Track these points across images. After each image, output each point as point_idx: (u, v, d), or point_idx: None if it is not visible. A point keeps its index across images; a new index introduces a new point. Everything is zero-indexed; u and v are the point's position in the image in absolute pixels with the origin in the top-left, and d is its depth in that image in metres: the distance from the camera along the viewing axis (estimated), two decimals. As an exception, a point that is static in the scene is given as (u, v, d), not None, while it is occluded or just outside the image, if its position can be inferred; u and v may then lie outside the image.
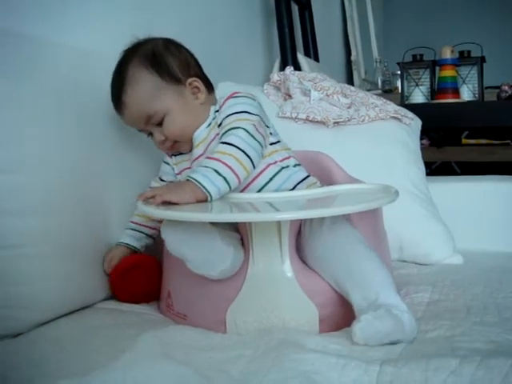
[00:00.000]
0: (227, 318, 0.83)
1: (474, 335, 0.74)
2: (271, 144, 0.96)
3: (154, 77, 0.94)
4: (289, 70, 1.40)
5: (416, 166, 1.36)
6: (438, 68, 2.24)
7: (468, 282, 1.03)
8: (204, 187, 0.82)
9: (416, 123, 1.46)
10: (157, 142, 0.98)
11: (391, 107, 1.40)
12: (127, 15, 1.27)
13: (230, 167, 0.84)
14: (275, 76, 1.42)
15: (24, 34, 0.95)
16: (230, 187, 0.84)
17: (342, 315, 0.82)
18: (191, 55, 1.01)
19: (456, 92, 2.16)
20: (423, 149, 1.48)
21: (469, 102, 2.25)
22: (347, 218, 0.89)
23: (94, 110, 1.01)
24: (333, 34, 2.78)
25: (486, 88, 2.44)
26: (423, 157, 1.42)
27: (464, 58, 2.31)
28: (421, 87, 2.30)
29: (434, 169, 2.64)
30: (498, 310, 0.86)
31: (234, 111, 0.92)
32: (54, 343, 0.78)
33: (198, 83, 0.98)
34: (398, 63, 2.42)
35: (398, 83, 2.76)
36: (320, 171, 1.03)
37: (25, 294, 0.84)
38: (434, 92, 2.26)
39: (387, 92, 2.81)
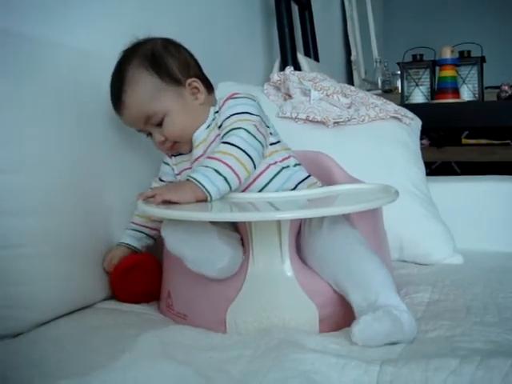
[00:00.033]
0: (227, 318, 0.83)
1: (474, 335, 0.74)
2: (271, 144, 0.96)
3: (154, 78, 0.94)
4: (289, 69, 1.40)
5: (416, 166, 1.36)
6: (437, 68, 2.24)
7: (468, 282, 1.03)
8: (204, 187, 0.82)
9: (416, 123, 1.46)
10: (156, 143, 0.98)
11: (391, 107, 1.40)
12: (127, 15, 1.27)
13: (230, 167, 0.84)
14: (275, 76, 1.42)
15: (24, 33, 0.95)
16: (230, 187, 0.84)
17: (342, 315, 0.82)
18: (190, 55, 1.01)
19: (456, 92, 2.16)
20: (423, 149, 1.48)
21: (469, 102, 2.25)
22: (347, 218, 0.89)
23: (94, 110, 1.01)
24: (333, 33, 2.78)
25: (486, 88, 2.44)
26: (423, 157, 1.42)
27: (464, 58, 2.31)
28: (421, 87, 2.30)
29: (434, 169, 2.64)
30: (498, 310, 0.86)
31: (234, 112, 0.92)
32: (54, 343, 0.78)
33: (198, 84, 0.98)
34: (398, 63, 2.42)
35: (398, 83, 2.76)
36: (320, 171, 1.03)
37: (25, 294, 0.84)
38: (434, 92, 2.26)
39: (387, 92, 2.81)
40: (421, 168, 1.38)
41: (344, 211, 0.81)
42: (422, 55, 2.37)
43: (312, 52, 2.29)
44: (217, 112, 0.97)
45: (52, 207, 0.89)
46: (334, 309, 0.83)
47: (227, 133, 0.89)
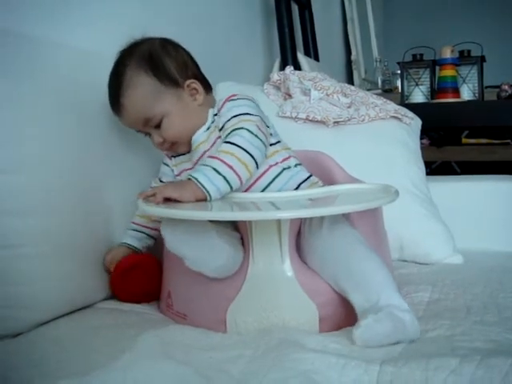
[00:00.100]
0: (227, 318, 0.83)
1: (474, 334, 0.74)
2: (271, 145, 0.96)
3: (153, 80, 0.94)
4: (289, 69, 1.40)
5: (416, 166, 1.36)
6: (438, 67, 2.24)
7: (468, 281, 1.03)
8: (203, 186, 0.82)
9: (416, 123, 1.46)
10: (155, 144, 0.98)
11: (391, 107, 1.40)
12: (127, 15, 1.27)
13: (230, 166, 0.84)
14: (275, 76, 1.42)
15: (24, 33, 0.95)
16: (230, 186, 0.84)
17: (342, 315, 0.82)
18: (188, 55, 1.00)
19: (456, 91, 2.16)
20: (423, 148, 1.48)
21: (469, 101, 2.25)
22: (347, 217, 0.89)
23: (94, 110, 1.01)
24: (333, 33, 2.78)
25: (486, 87, 2.44)
26: (423, 156, 1.42)
27: (464, 58, 2.31)
28: (421, 87, 2.30)
29: (433, 168, 2.64)
30: (498, 310, 0.86)
31: (235, 114, 0.92)
32: (54, 343, 0.78)
33: (196, 85, 0.97)
34: (398, 63, 2.42)
35: (398, 83, 2.76)
36: (320, 171, 1.03)
37: (25, 294, 0.84)
38: (434, 91, 2.26)
39: (387, 91, 2.80)
40: (421, 168, 1.38)
41: (344, 211, 0.81)
42: (422, 55, 2.37)
43: (312, 52, 2.29)
44: (216, 114, 0.97)
45: (52, 207, 0.89)
46: (334, 309, 0.83)
47: (229, 134, 0.89)
